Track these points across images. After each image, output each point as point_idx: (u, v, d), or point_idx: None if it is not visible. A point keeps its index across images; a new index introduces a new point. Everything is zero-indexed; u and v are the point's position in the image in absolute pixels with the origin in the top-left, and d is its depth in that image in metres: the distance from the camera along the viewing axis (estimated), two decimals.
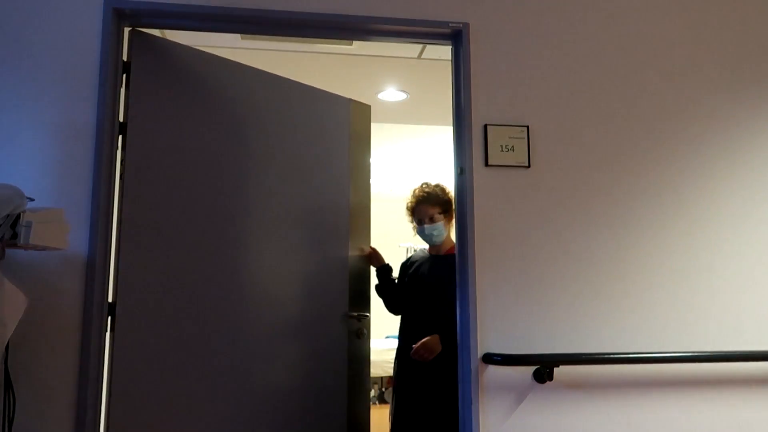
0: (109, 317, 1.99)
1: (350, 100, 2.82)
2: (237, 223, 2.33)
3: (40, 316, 1.85)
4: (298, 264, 2.52)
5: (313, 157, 2.63)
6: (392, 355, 2.83)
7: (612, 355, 2.03)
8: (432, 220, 2.70)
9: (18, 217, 1.55)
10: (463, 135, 2.14)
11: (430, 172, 6.33)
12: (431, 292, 2.66)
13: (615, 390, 2.08)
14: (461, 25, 2.20)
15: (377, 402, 6.03)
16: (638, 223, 2.19)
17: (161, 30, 2.71)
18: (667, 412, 2.09)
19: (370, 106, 2.93)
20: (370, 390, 5.92)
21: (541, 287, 2.10)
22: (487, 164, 2.13)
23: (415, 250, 3.04)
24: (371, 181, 2.87)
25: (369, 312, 2.75)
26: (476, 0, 2.23)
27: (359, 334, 2.71)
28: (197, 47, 2.34)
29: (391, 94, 3.95)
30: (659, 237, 2.19)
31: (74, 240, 1.88)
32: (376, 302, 2.85)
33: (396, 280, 2.85)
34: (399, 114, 4.34)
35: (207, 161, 2.28)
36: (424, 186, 2.80)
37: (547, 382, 2.02)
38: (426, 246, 2.82)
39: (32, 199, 1.69)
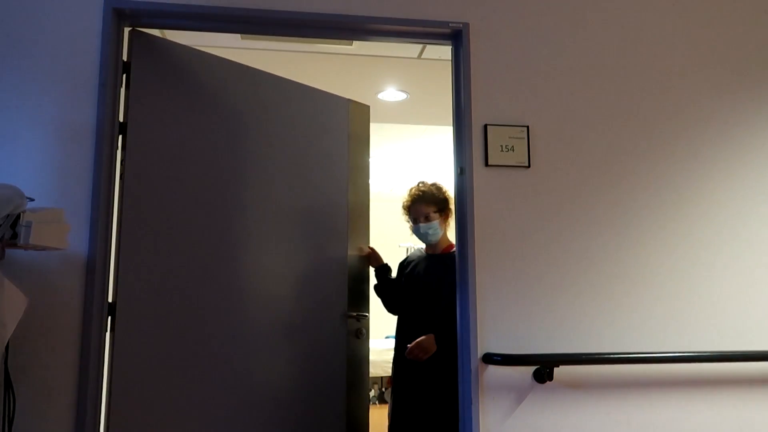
0: (109, 317, 1.99)
1: (349, 100, 2.82)
2: (236, 223, 2.33)
3: (40, 316, 1.85)
4: (298, 264, 2.52)
5: (313, 157, 2.63)
6: (392, 355, 2.82)
7: (612, 355, 2.03)
8: (427, 218, 2.69)
9: (18, 217, 1.55)
10: (463, 135, 2.14)
11: (430, 172, 6.33)
12: (427, 291, 2.65)
13: (615, 390, 2.08)
14: (461, 25, 2.20)
15: (377, 402, 6.03)
16: (638, 223, 2.19)
17: (161, 30, 2.71)
18: (667, 412, 2.10)
19: (368, 107, 2.93)
20: (370, 390, 5.93)
21: (541, 287, 2.10)
22: (487, 164, 2.13)
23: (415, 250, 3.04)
24: (371, 181, 2.87)
25: (368, 312, 2.75)
26: (476, 0, 2.23)
27: (358, 334, 2.71)
28: (197, 47, 2.34)
29: (391, 94, 3.95)
30: (659, 237, 2.19)
31: (74, 240, 1.88)
32: (376, 302, 2.85)
33: (394, 280, 2.85)
34: (399, 114, 4.34)
35: (206, 161, 2.28)
36: (419, 185, 2.79)
37: (547, 382, 2.02)
38: (423, 245, 2.82)
39: (32, 199, 1.69)
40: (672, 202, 2.22)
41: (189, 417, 2.13)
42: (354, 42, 3.12)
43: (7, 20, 1.97)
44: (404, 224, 2.89)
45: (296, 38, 2.84)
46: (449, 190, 2.80)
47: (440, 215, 2.71)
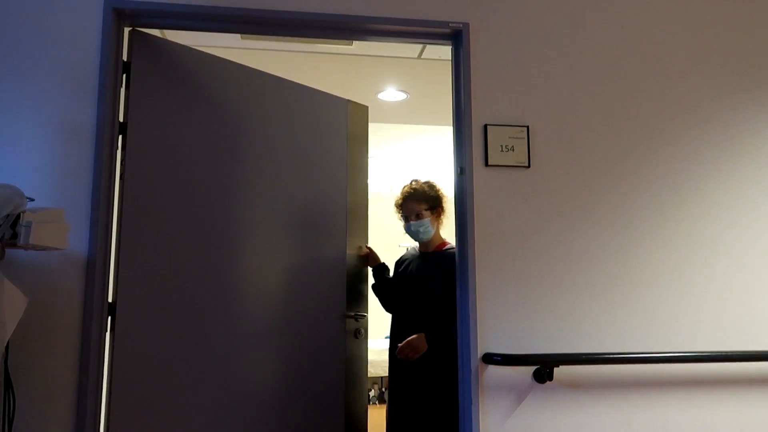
0: (109, 317, 1.99)
1: (348, 100, 2.82)
2: (236, 223, 2.33)
3: (40, 316, 1.85)
4: (297, 264, 2.52)
5: (312, 157, 2.63)
6: None
7: (612, 355, 2.03)
8: (418, 216, 2.67)
9: (18, 217, 1.55)
10: (463, 135, 2.14)
11: (430, 172, 6.33)
12: (418, 289, 2.65)
13: (615, 390, 2.08)
14: (461, 25, 2.20)
15: (377, 402, 6.03)
16: (638, 223, 2.19)
17: (161, 30, 2.71)
18: (667, 412, 2.10)
19: (367, 107, 2.93)
20: (369, 390, 5.93)
21: (541, 287, 2.10)
22: (487, 164, 2.13)
23: None
24: (371, 181, 2.87)
25: (366, 312, 2.75)
26: (476, 0, 2.23)
27: (357, 333, 2.71)
28: (197, 47, 2.34)
29: (390, 94, 3.95)
30: (659, 237, 2.20)
31: (74, 240, 1.88)
32: (375, 302, 2.85)
33: (391, 279, 2.85)
34: (399, 114, 4.34)
35: (206, 161, 2.28)
36: (412, 182, 2.77)
37: (547, 382, 2.02)
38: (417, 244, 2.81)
39: (32, 199, 1.69)
40: (672, 202, 2.22)
41: (189, 416, 2.13)
42: (354, 42, 3.13)
43: (7, 20, 1.97)
44: None
45: (296, 38, 2.85)
46: (444, 188, 2.80)
47: (432, 213, 2.69)
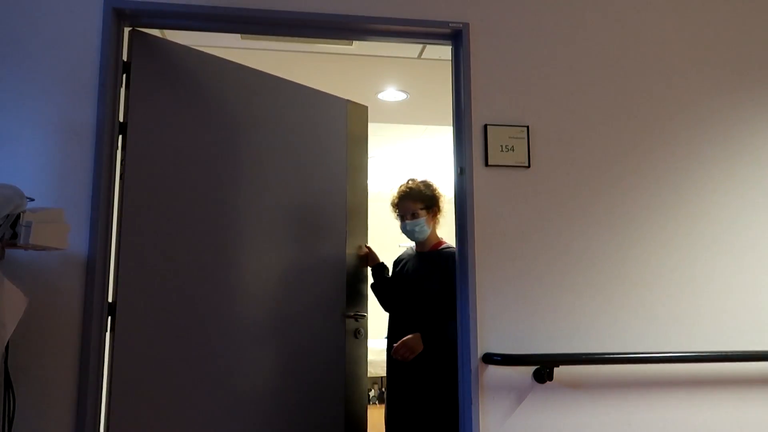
0: (109, 317, 1.99)
1: (347, 101, 2.82)
2: (236, 223, 2.33)
3: (40, 316, 1.85)
4: (297, 264, 2.52)
5: (311, 157, 2.63)
6: None
7: (612, 355, 2.03)
8: (414, 215, 2.66)
9: (18, 217, 1.55)
10: (463, 135, 2.14)
11: (430, 172, 6.33)
12: (414, 289, 2.65)
13: (615, 390, 2.08)
14: (461, 25, 2.20)
15: (377, 402, 6.03)
16: (638, 223, 2.19)
17: (161, 30, 2.71)
18: (667, 412, 2.10)
19: (367, 107, 2.93)
20: (369, 390, 5.93)
21: (541, 287, 2.10)
22: (487, 164, 2.13)
23: None
24: (371, 181, 2.87)
25: (366, 312, 2.75)
26: (476, 0, 2.23)
27: (356, 333, 2.71)
28: (197, 47, 2.35)
29: (390, 94, 3.95)
30: (659, 237, 2.20)
31: (74, 240, 1.88)
32: (375, 302, 2.85)
33: (390, 279, 2.85)
34: (399, 114, 4.34)
35: (206, 161, 2.28)
36: (408, 182, 2.76)
37: (547, 382, 2.02)
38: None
39: (32, 199, 1.69)
40: (672, 202, 2.23)
41: (189, 416, 2.13)
42: (354, 42, 3.13)
43: (7, 20, 1.97)
44: None
45: (296, 38, 2.85)
46: (442, 188, 2.79)
47: (427, 212, 2.68)
